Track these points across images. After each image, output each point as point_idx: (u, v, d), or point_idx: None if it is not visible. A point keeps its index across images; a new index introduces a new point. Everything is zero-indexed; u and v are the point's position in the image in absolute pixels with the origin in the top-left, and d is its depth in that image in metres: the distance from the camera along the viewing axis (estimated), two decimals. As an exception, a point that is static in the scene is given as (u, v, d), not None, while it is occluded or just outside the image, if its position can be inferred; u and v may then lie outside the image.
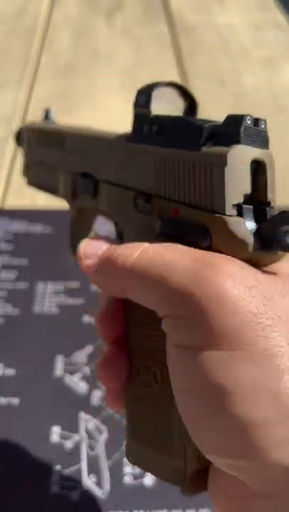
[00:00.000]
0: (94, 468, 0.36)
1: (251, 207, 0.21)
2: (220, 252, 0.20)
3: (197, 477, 0.22)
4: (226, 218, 0.20)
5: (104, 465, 0.36)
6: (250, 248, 0.19)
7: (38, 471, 0.36)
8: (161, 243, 0.21)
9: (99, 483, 0.35)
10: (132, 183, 0.25)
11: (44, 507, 0.34)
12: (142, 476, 0.36)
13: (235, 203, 0.20)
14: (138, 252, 0.21)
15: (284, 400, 0.17)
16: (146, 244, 0.21)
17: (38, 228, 0.56)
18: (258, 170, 0.21)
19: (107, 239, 0.24)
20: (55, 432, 0.38)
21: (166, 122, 0.23)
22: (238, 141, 0.21)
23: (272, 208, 0.21)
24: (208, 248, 0.20)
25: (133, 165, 0.25)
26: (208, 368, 0.18)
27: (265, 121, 0.22)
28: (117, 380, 0.24)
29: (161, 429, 0.23)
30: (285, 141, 0.70)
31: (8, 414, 0.39)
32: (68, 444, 0.37)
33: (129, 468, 0.36)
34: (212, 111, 0.77)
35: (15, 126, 0.73)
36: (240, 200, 0.20)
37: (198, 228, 0.21)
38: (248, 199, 0.21)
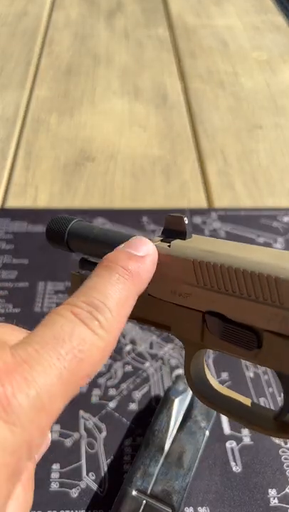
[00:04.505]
0: (93, 466, 0.36)
1: None
2: None
3: None
4: None
5: (104, 463, 0.36)
6: None
7: (37, 469, 0.36)
8: None
9: (98, 482, 0.35)
10: None
11: (43, 504, 0.34)
12: (140, 474, 0.36)
13: None
14: None
15: None
16: None
17: (38, 228, 0.56)
18: None
19: None
20: (55, 431, 0.38)
21: None
22: None
23: None
24: None
25: None
26: None
27: None
28: None
29: None
30: (285, 142, 0.70)
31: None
32: (68, 443, 0.37)
33: (127, 467, 0.36)
34: (211, 113, 0.77)
35: (16, 127, 0.73)
36: None
37: None
38: None
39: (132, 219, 0.58)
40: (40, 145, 0.70)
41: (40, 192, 0.62)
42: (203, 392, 0.27)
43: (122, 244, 0.24)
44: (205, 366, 0.28)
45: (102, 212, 0.58)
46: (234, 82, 0.86)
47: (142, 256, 0.23)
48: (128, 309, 0.21)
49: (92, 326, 0.19)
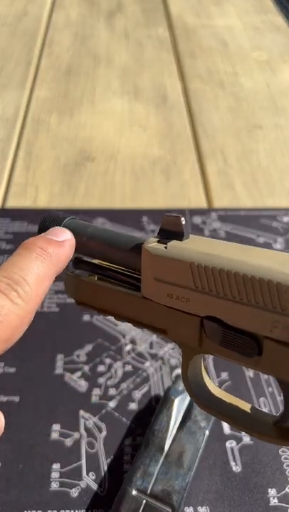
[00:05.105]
0: (93, 466, 0.36)
1: None
2: None
3: None
4: None
5: (104, 463, 0.36)
6: None
7: (37, 469, 0.36)
8: None
9: (98, 481, 0.35)
10: None
11: (43, 504, 0.34)
12: (140, 473, 0.36)
13: None
14: None
15: None
16: None
17: (38, 228, 0.56)
18: None
19: None
20: (55, 430, 0.38)
21: None
22: None
23: None
24: None
25: None
26: None
27: None
28: None
29: None
30: (285, 142, 0.71)
31: (8, 412, 0.39)
32: (68, 442, 0.37)
33: (127, 466, 0.36)
34: (211, 113, 0.77)
35: (17, 127, 0.73)
36: None
37: None
38: None
39: (132, 219, 0.58)
40: (40, 145, 0.70)
41: (41, 192, 0.62)
42: (201, 397, 0.26)
43: (42, 234, 0.26)
44: (203, 371, 0.27)
45: (102, 212, 0.58)
46: (234, 82, 0.86)
47: (61, 241, 0.25)
48: (46, 285, 0.23)
49: (10, 296, 0.21)
